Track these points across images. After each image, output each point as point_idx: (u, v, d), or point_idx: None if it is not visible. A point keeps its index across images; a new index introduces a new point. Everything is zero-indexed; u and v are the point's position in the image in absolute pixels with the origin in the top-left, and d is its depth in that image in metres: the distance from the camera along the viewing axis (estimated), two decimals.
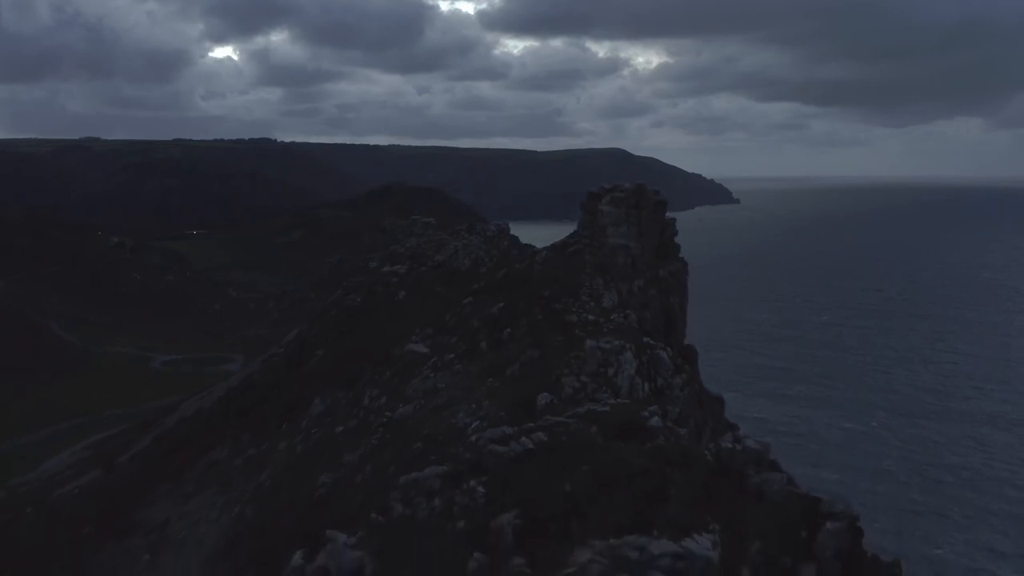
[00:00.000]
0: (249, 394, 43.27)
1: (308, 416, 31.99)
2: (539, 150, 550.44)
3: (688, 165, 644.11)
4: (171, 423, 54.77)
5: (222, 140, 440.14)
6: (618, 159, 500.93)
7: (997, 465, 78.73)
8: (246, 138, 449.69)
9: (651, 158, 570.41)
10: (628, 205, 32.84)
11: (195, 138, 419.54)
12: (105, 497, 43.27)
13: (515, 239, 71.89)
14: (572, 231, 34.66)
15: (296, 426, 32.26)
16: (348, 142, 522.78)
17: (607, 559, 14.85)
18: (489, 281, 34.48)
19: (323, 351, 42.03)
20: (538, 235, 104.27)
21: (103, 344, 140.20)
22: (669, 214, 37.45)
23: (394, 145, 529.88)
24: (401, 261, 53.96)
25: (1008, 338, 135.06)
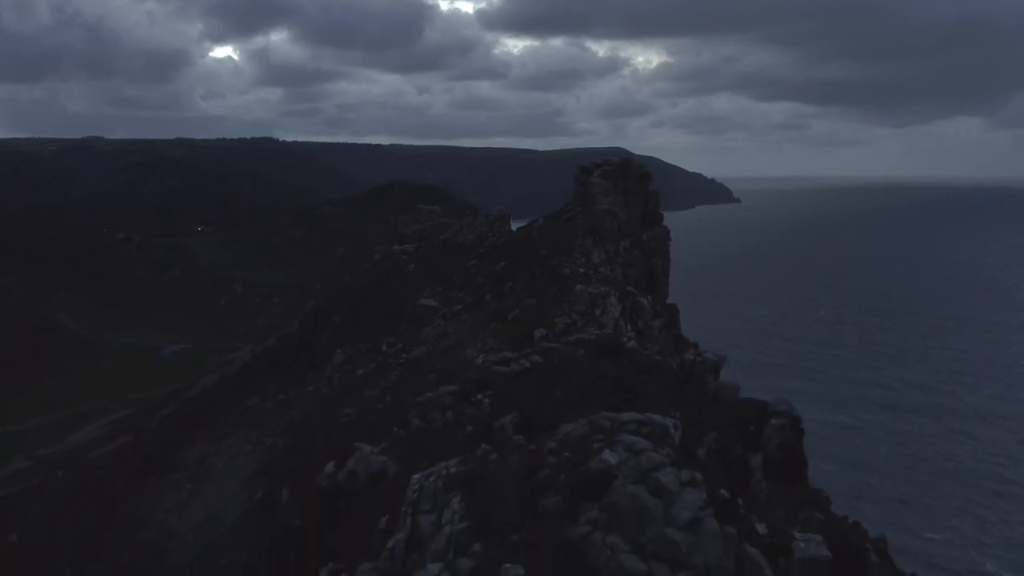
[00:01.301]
0: (271, 357, 47.06)
1: (331, 365, 35.86)
2: (540, 150, 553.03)
3: (688, 165, 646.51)
4: (194, 393, 58.65)
5: (224, 139, 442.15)
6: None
7: (985, 459, 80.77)
8: (247, 137, 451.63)
9: (651, 157, 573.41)
10: (616, 177, 36.84)
11: (196, 138, 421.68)
12: (139, 453, 47.13)
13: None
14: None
15: (320, 374, 36.18)
16: (348, 141, 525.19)
17: (585, 427, 18.70)
18: (492, 246, 38.56)
19: (340, 317, 45.98)
20: None
21: (112, 336, 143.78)
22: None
23: (395, 145, 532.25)
24: (409, 241, 57.80)
25: (1002, 335, 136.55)
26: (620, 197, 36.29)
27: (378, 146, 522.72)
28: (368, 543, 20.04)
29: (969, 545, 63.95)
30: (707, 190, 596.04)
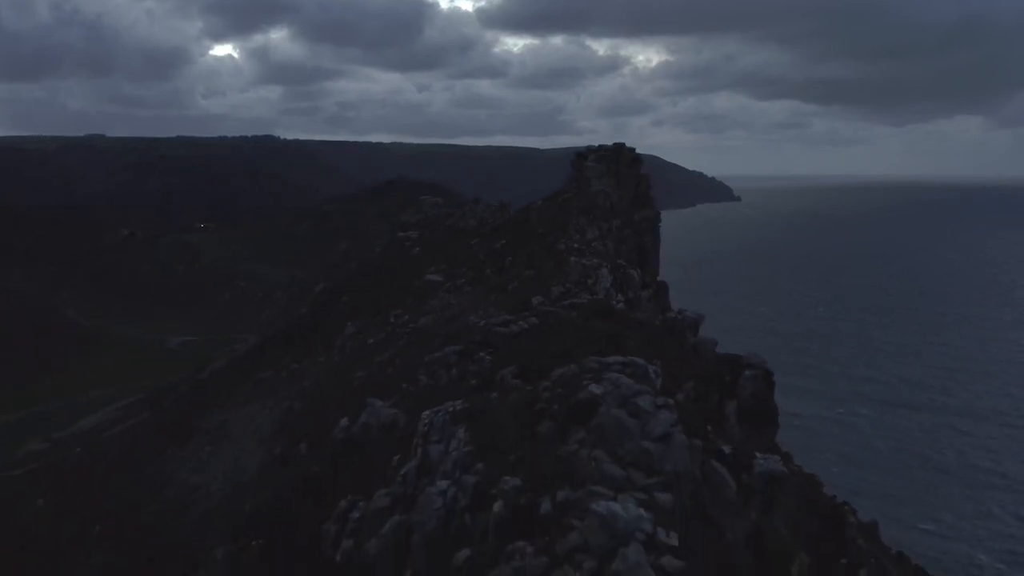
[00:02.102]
0: (282, 335, 49.42)
1: (342, 336, 38.21)
2: (540, 148, 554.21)
3: (689, 163, 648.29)
4: (207, 374, 61.03)
5: (226, 138, 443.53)
6: None
7: (979, 454, 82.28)
8: (249, 135, 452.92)
9: (652, 155, 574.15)
10: (609, 161, 39.26)
11: (196, 136, 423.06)
12: (158, 423, 49.51)
13: None
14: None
15: (332, 345, 38.52)
16: (349, 140, 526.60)
17: (576, 369, 21.03)
18: (493, 227, 41.01)
19: (348, 297, 48.29)
20: None
21: (118, 329, 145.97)
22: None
23: (395, 143, 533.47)
24: (413, 228, 60.19)
25: (998, 332, 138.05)
26: (613, 180, 38.71)
27: (379, 144, 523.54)
28: (383, 477, 22.46)
29: (962, 537, 65.24)
30: (708, 188, 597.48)
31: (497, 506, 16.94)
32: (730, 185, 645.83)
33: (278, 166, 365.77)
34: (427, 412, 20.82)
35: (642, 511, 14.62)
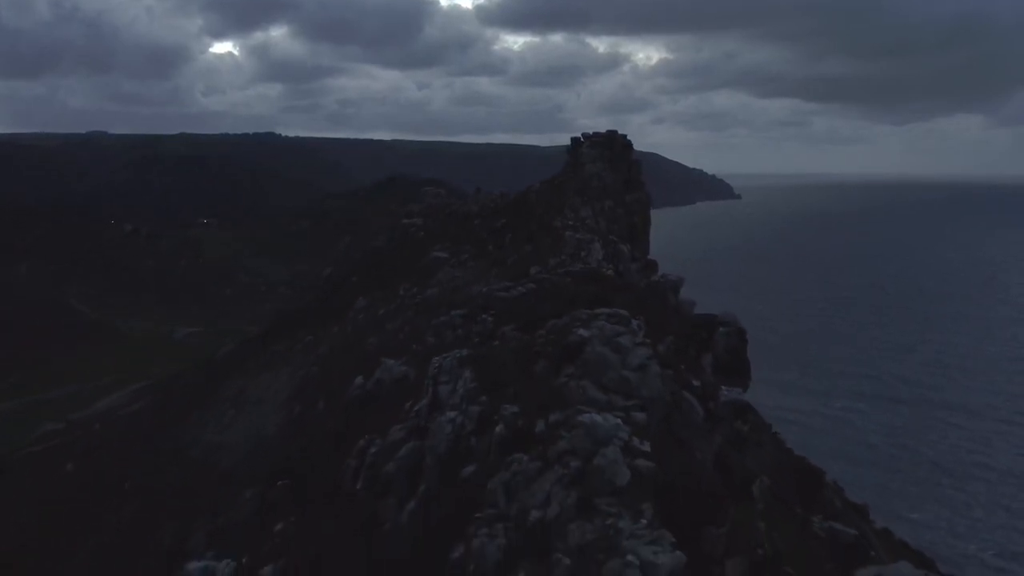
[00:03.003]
0: (295, 312, 52.09)
1: (353, 310, 40.95)
2: (541, 146, 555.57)
3: (689, 161, 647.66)
4: (220, 355, 63.79)
5: (227, 135, 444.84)
6: None
7: (971, 448, 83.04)
8: (250, 133, 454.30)
9: (652, 153, 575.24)
10: (602, 146, 42.12)
11: (197, 133, 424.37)
12: (176, 400, 52.32)
13: None
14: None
15: (344, 318, 41.26)
16: (350, 137, 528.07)
17: (568, 319, 23.79)
18: (495, 207, 43.85)
19: (357, 278, 51.03)
20: None
21: (124, 321, 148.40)
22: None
23: (396, 140, 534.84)
24: (417, 216, 62.96)
25: (994, 330, 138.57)
26: (606, 164, 41.56)
27: (379, 142, 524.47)
28: (397, 420, 25.29)
29: (952, 528, 66.88)
30: (708, 186, 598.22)
31: (498, 428, 19.76)
32: (730, 183, 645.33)
33: (279, 164, 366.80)
34: (436, 358, 23.67)
35: (620, 422, 17.42)
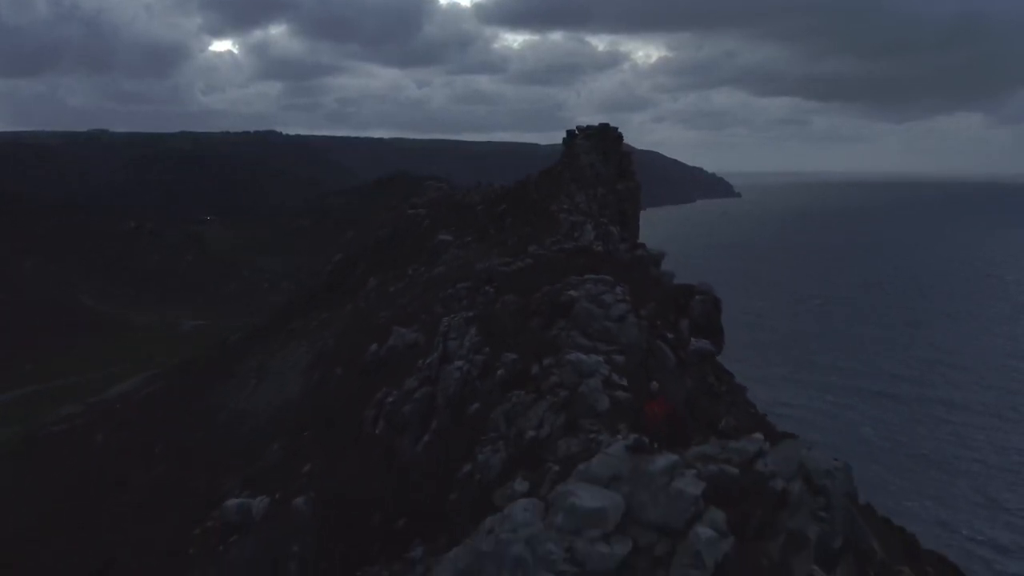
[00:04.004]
0: (308, 294, 55.49)
1: (365, 289, 44.37)
2: (541, 144, 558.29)
3: (689, 159, 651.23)
4: (233, 340, 67.22)
5: (228, 133, 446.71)
6: None
7: (963, 443, 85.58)
8: (251, 131, 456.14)
9: (652, 151, 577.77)
10: (596, 139, 45.63)
11: (198, 131, 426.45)
12: (196, 378, 55.79)
13: None
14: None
15: (356, 296, 44.69)
16: (350, 135, 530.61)
17: (560, 284, 27.24)
18: (496, 196, 47.33)
19: (365, 263, 54.50)
20: None
21: (132, 314, 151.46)
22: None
23: (396, 138, 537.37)
24: (422, 206, 66.52)
25: (990, 327, 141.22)
26: (599, 155, 45.12)
27: (379, 140, 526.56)
28: (409, 374, 28.74)
29: (940, 519, 69.64)
30: (708, 184, 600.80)
31: (500, 372, 23.18)
32: (730, 181, 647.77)
33: (280, 161, 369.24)
34: (446, 318, 27.13)
35: (601, 360, 20.84)
